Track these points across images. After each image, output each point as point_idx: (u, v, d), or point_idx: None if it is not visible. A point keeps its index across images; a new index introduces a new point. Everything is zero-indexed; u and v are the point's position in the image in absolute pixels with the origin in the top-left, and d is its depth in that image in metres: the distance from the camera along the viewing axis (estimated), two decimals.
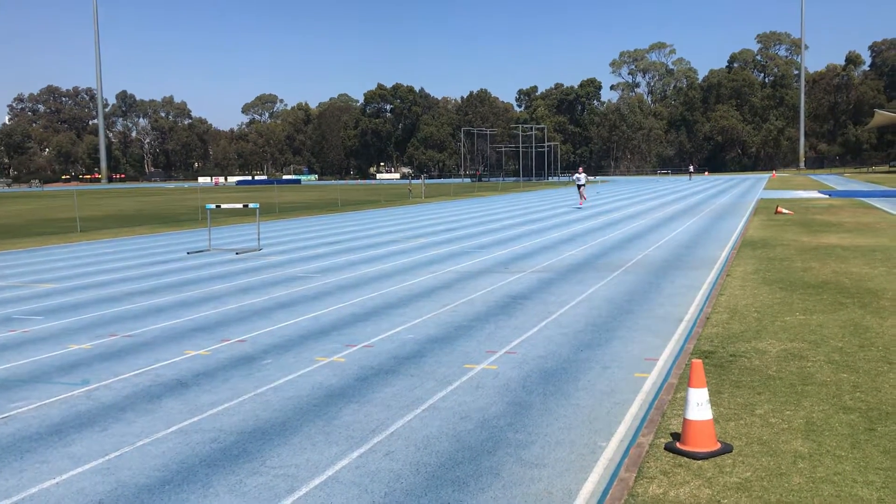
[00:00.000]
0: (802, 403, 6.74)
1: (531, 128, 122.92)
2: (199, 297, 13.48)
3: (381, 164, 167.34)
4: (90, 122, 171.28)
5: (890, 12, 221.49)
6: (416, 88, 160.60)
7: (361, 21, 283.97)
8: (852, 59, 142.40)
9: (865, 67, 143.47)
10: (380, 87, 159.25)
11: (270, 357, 9.07)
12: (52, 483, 5.56)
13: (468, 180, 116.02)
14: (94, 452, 6.15)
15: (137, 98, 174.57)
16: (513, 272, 15.72)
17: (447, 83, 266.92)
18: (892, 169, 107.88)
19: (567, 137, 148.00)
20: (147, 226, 31.92)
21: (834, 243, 18.90)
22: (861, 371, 7.68)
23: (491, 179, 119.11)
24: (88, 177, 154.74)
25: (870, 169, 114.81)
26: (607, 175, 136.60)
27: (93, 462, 5.95)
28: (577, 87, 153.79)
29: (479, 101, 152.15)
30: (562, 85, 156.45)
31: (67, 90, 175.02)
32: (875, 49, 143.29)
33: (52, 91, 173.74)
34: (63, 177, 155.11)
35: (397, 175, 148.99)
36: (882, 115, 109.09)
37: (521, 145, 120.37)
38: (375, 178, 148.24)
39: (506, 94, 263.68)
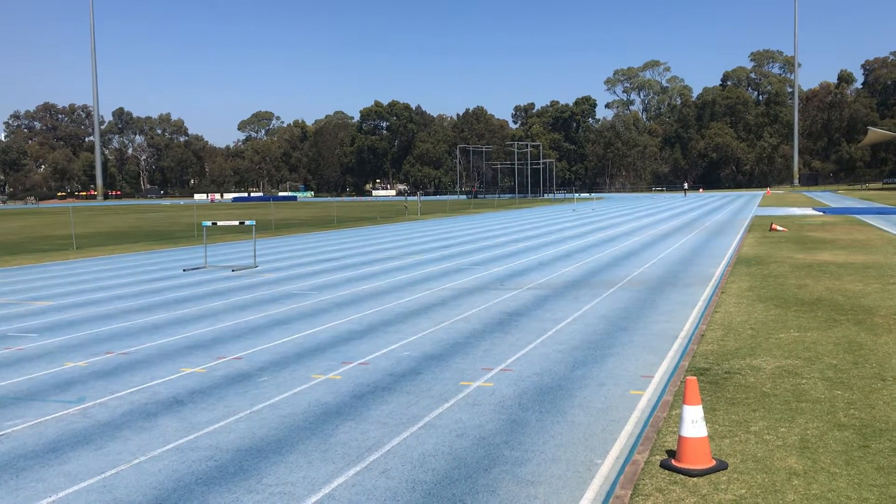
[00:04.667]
0: (797, 420, 6.77)
1: (527, 145, 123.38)
2: (194, 314, 13.49)
3: (377, 180, 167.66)
4: (86, 139, 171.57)
5: (881, 31, 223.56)
6: (413, 105, 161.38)
7: (358, 38, 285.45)
8: (844, 78, 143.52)
9: (858, 85, 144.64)
10: (376, 104, 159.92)
11: (266, 374, 9.07)
12: (48, 501, 5.56)
13: (464, 197, 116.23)
14: (90, 470, 6.15)
15: (134, 115, 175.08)
16: (509, 289, 15.75)
17: (443, 100, 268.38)
18: (885, 186, 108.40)
19: (562, 155, 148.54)
20: (143, 243, 31.91)
21: (828, 260, 18.98)
22: (855, 388, 7.71)
23: (486, 196, 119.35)
24: (84, 193, 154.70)
25: (864, 186, 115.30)
26: (602, 192, 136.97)
27: (89, 480, 5.95)
28: (572, 104, 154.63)
29: (475, 119, 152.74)
30: (557, 102, 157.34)
31: (64, 107, 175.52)
32: (867, 67, 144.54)
33: (48, 108, 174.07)
34: (59, 194, 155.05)
35: (393, 192, 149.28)
36: (875, 133, 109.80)
37: (516, 162, 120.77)
38: (371, 195, 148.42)
39: (501, 111, 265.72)
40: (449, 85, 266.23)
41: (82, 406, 7.94)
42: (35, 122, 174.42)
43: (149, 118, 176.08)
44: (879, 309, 12.07)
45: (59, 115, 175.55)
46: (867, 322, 11.06)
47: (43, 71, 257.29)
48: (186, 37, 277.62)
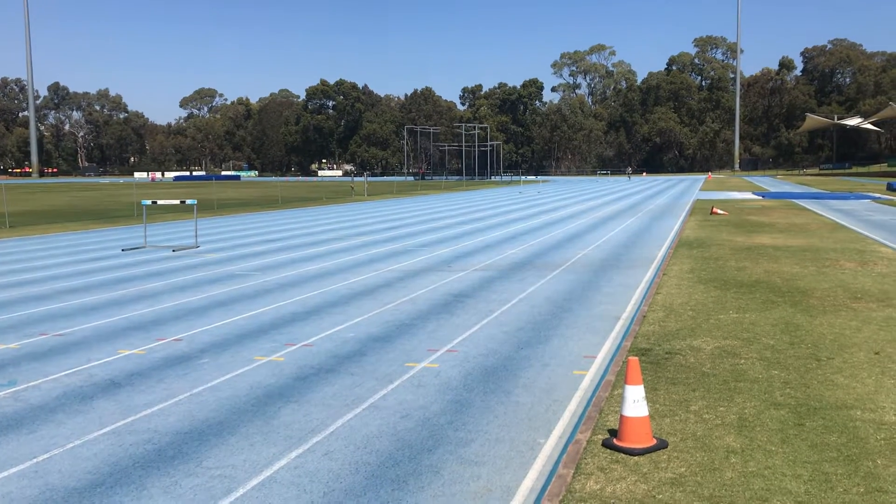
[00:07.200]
0: (735, 400, 6.91)
1: (474, 127, 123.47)
2: (134, 295, 13.17)
3: (323, 160, 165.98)
4: (20, 115, 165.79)
5: (820, 20, 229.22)
6: (360, 85, 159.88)
7: (304, 15, 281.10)
8: (785, 65, 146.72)
9: (797, 73, 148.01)
10: (322, 83, 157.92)
11: (207, 356, 8.90)
12: None
13: (411, 178, 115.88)
14: (20, 456, 5.95)
15: (70, 90, 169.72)
16: (455, 270, 15.76)
17: (390, 80, 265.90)
18: (822, 171, 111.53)
19: (510, 137, 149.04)
20: (80, 222, 31.04)
21: (766, 243, 19.43)
22: (791, 368, 7.91)
23: (434, 178, 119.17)
24: (18, 171, 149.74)
25: (801, 171, 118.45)
26: (548, 175, 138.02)
27: (20, 465, 5.75)
28: (519, 87, 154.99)
29: (423, 100, 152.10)
30: (505, 85, 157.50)
31: None
32: (806, 55, 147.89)
33: None
34: None
35: (339, 172, 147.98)
36: (813, 119, 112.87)
37: (464, 144, 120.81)
38: (317, 176, 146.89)
39: (449, 92, 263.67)
40: (396, 65, 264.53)
41: (14, 389, 7.68)
42: None
43: (86, 94, 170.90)
44: (815, 291, 12.40)
45: None
46: (803, 304, 11.36)
47: None
48: (125, 10, 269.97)
